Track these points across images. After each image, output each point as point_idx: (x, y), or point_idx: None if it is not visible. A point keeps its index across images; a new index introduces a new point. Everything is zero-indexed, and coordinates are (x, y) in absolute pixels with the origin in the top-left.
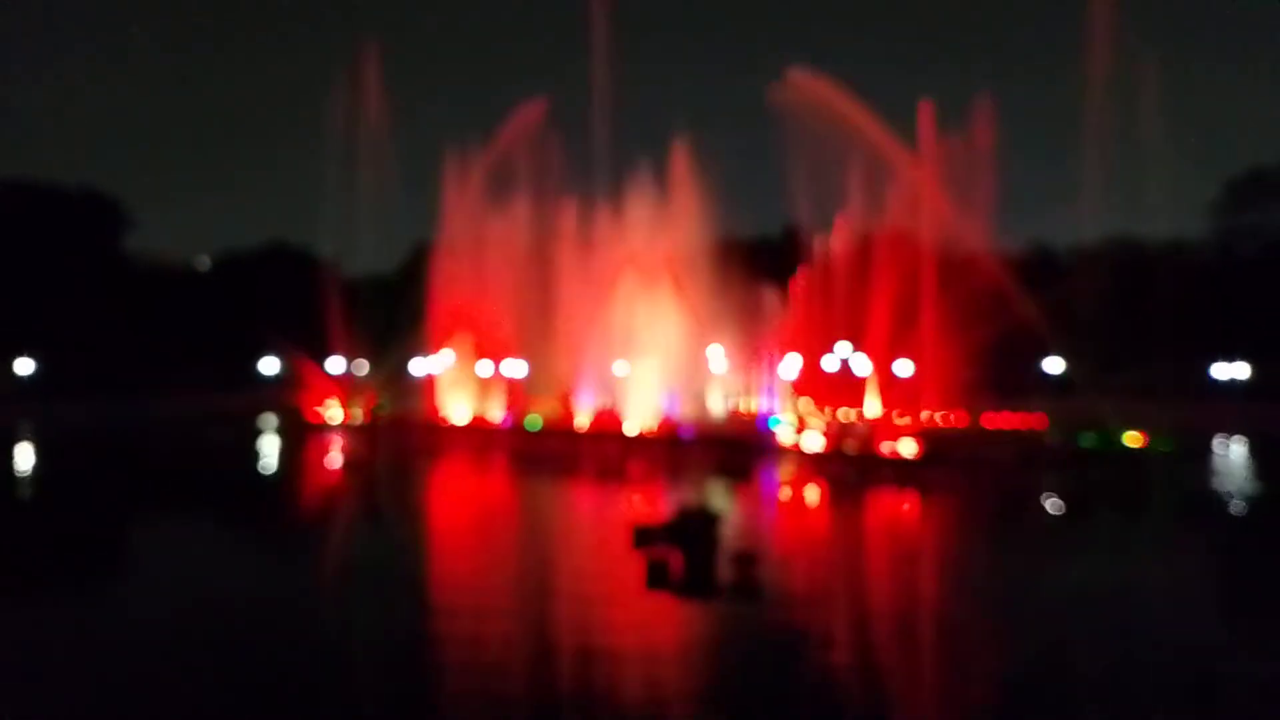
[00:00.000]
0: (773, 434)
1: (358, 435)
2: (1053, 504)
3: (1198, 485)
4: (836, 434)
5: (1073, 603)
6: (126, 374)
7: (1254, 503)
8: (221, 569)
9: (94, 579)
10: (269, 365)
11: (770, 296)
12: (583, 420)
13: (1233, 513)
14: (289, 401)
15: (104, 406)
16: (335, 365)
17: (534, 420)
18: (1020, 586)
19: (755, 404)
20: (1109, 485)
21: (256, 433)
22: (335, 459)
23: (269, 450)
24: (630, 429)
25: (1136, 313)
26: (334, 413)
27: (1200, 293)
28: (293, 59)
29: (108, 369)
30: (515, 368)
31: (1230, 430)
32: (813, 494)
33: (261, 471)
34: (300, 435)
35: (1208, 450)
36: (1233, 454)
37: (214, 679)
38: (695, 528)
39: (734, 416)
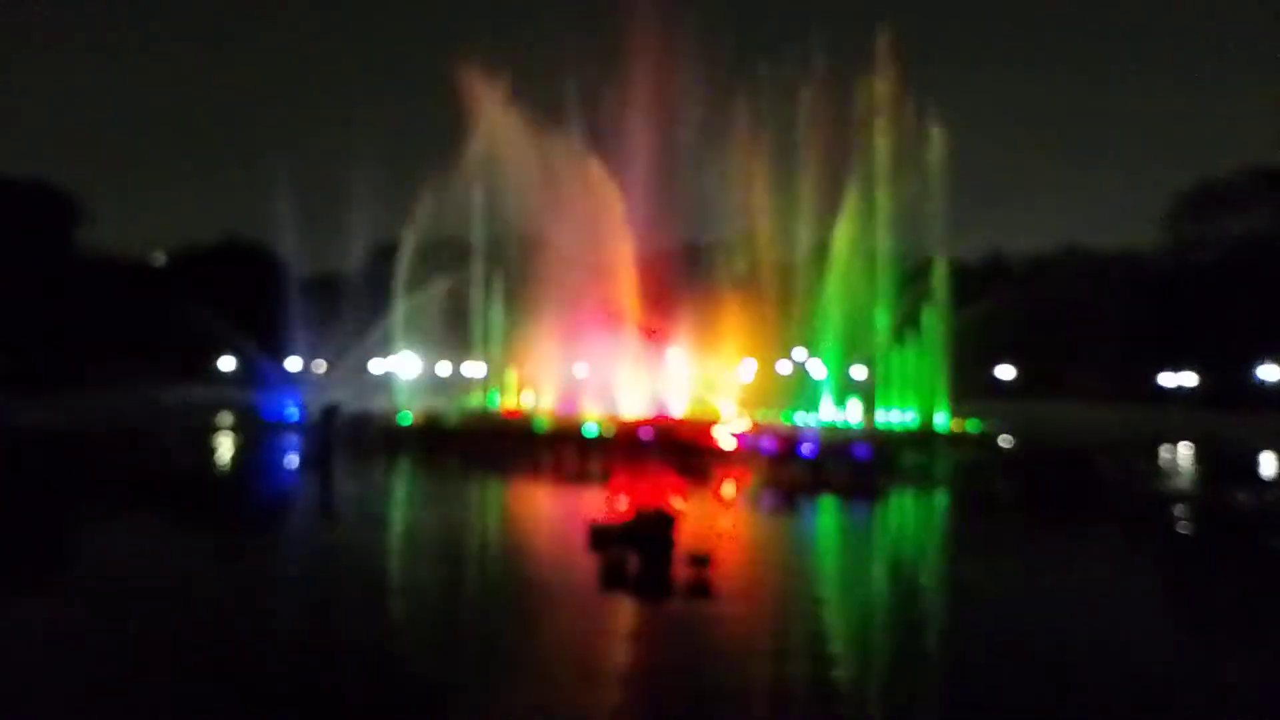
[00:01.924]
0: (730, 436)
1: (315, 433)
2: (1003, 504)
3: (1144, 490)
4: (791, 437)
5: (1007, 600)
6: (78, 370)
7: (1195, 510)
8: (167, 567)
9: (39, 577)
10: (225, 362)
11: (727, 301)
12: (542, 421)
13: (1175, 521)
14: (245, 399)
15: (54, 403)
16: (293, 363)
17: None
18: (961, 584)
19: (713, 407)
20: (1059, 487)
21: (212, 430)
22: (291, 458)
23: (224, 449)
24: (589, 431)
25: (1087, 320)
26: (292, 410)
27: (1150, 302)
28: (253, 55)
29: (59, 365)
30: (474, 368)
31: (1174, 437)
32: (767, 496)
33: (215, 470)
34: (256, 433)
35: (1152, 456)
36: (1174, 459)
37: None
38: (651, 529)
39: (691, 419)
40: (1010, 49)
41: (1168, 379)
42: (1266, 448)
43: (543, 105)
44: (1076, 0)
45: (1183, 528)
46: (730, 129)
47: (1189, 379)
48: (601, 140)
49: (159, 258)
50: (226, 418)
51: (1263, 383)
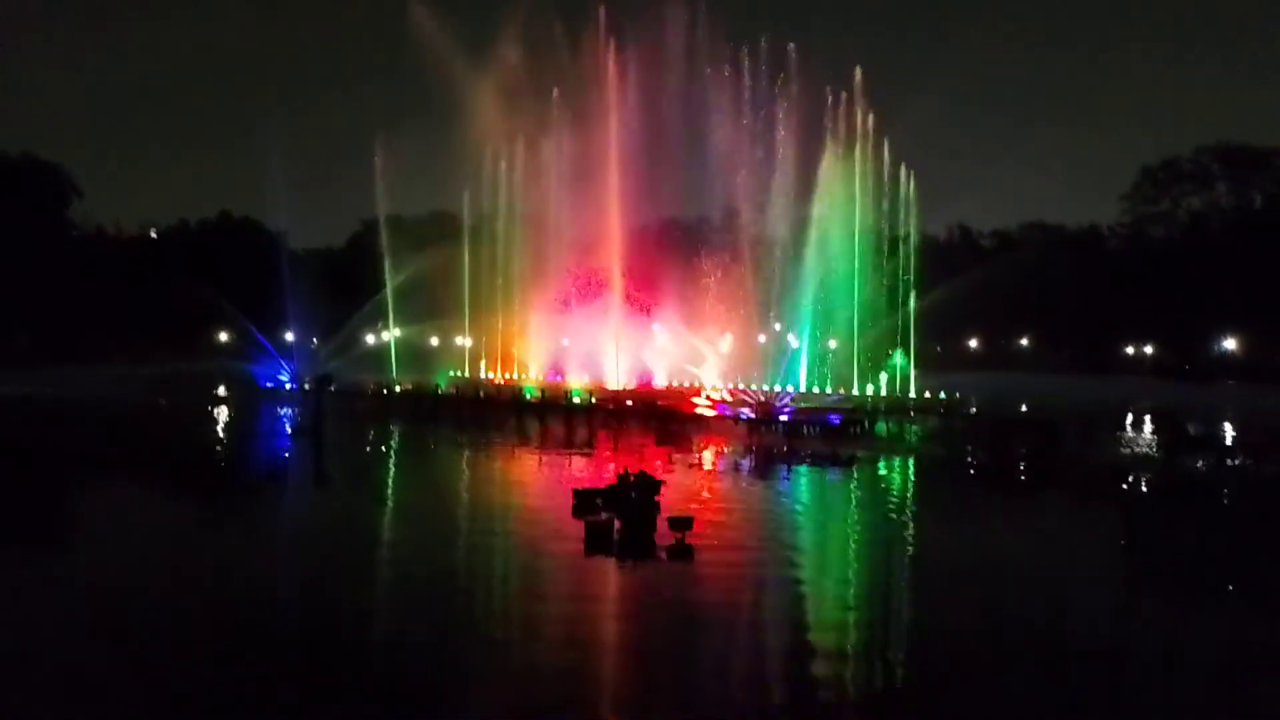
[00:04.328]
0: (711, 404)
1: (307, 402)
2: (969, 470)
3: (1105, 457)
4: (768, 405)
5: (967, 558)
6: (75, 342)
7: (1152, 476)
8: (165, 533)
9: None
10: (220, 334)
11: (709, 275)
12: (530, 389)
13: (1130, 486)
14: (239, 369)
15: (51, 375)
16: (285, 334)
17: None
18: (926, 544)
19: (696, 377)
20: (1023, 454)
21: (207, 400)
22: (285, 426)
23: (220, 417)
24: (575, 399)
25: (1051, 294)
26: (285, 380)
27: (1112, 275)
28: (247, 28)
29: (55, 337)
30: (463, 339)
31: (1135, 406)
32: (745, 462)
33: (212, 438)
34: (251, 403)
35: (1113, 424)
36: (1135, 428)
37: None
38: (634, 494)
39: (674, 388)
40: (975, 28)
41: (1129, 350)
42: (1224, 417)
43: (533, 80)
44: None
45: (1136, 492)
46: (712, 108)
47: (1150, 350)
48: (590, 117)
49: (153, 233)
50: (223, 389)
51: (1223, 353)
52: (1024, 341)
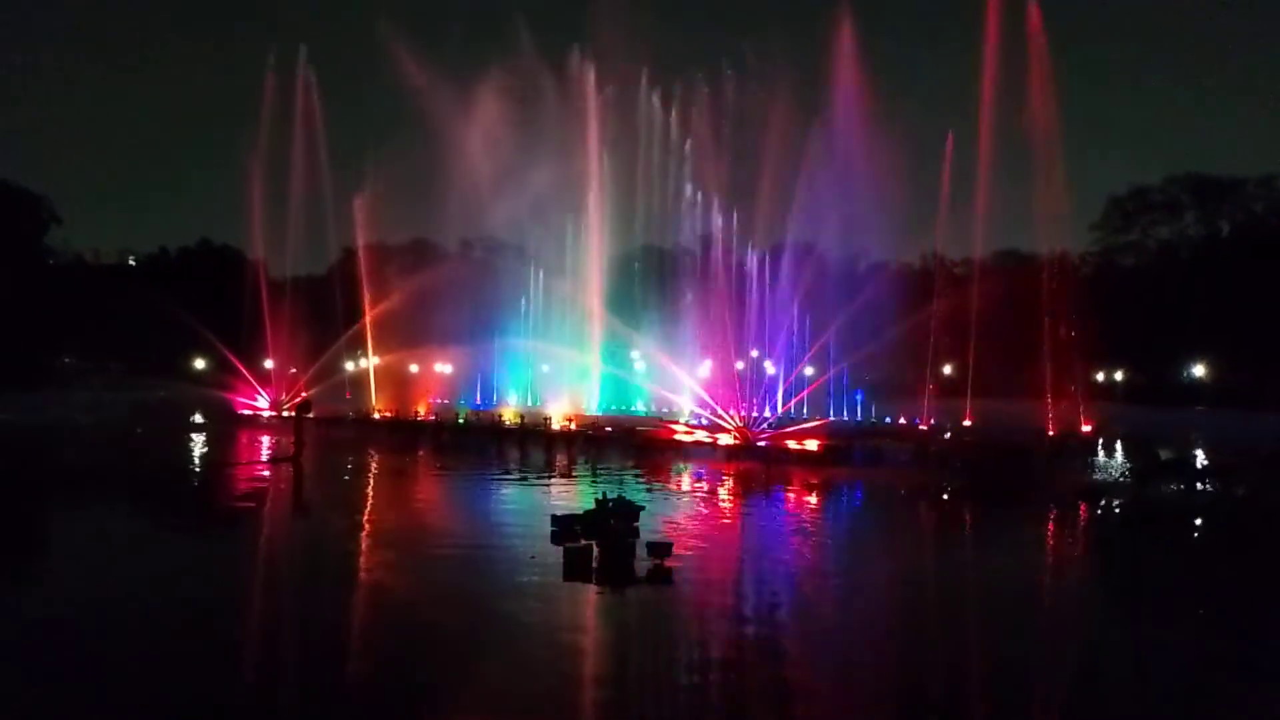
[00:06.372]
0: (689, 430)
1: (285, 429)
2: (943, 494)
3: (1078, 482)
4: (746, 432)
5: (942, 581)
6: (51, 367)
7: (1121, 499)
8: (139, 565)
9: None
10: (197, 361)
11: (688, 303)
12: (509, 416)
13: (1103, 512)
14: (217, 397)
15: (25, 400)
16: (264, 362)
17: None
18: (903, 568)
19: (674, 403)
20: (996, 478)
21: (184, 427)
22: (262, 453)
23: (196, 445)
24: (554, 425)
25: (1023, 321)
26: (262, 408)
27: (1082, 303)
28: (226, 61)
29: (30, 362)
30: (443, 366)
31: (1107, 432)
32: (724, 487)
33: (187, 466)
34: (228, 430)
35: (1090, 448)
36: (1106, 453)
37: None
38: (612, 519)
39: (654, 415)
40: (949, 58)
41: (1100, 376)
42: (1195, 441)
43: (511, 112)
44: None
45: (1109, 516)
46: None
47: (1120, 376)
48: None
49: (131, 261)
50: (199, 416)
51: (1193, 379)
52: (998, 367)
